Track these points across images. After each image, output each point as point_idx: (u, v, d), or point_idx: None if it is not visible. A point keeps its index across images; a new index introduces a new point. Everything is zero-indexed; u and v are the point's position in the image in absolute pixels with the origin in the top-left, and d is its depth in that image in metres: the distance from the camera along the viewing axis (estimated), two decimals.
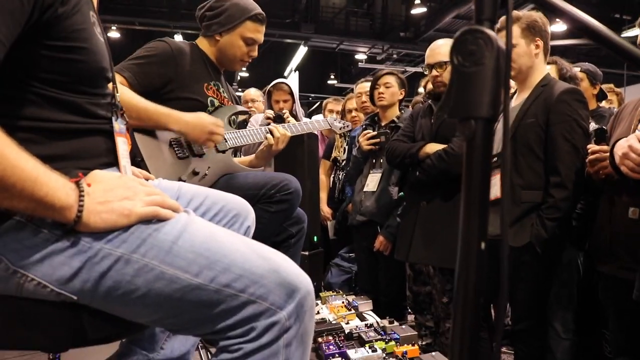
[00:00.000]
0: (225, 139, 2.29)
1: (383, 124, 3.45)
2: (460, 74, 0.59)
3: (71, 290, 1.00)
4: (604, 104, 3.75)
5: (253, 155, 2.57)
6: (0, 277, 0.99)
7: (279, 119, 3.25)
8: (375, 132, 3.38)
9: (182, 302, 1.03)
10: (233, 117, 2.40)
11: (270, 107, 3.92)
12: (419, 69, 12.37)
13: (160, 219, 1.06)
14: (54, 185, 0.94)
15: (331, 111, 4.86)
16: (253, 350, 1.04)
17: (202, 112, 2.15)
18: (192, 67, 2.25)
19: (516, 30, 2.39)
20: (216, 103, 2.31)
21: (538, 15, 2.43)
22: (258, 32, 2.37)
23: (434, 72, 2.86)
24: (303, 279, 1.10)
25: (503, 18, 0.63)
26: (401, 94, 3.42)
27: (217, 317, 1.04)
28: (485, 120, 0.59)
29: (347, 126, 3.05)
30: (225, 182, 2.24)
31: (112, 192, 1.02)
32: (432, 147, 2.80)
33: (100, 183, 1.03)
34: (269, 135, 2.41)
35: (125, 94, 1.94)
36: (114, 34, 15.28)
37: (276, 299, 1.05)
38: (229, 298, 1.03)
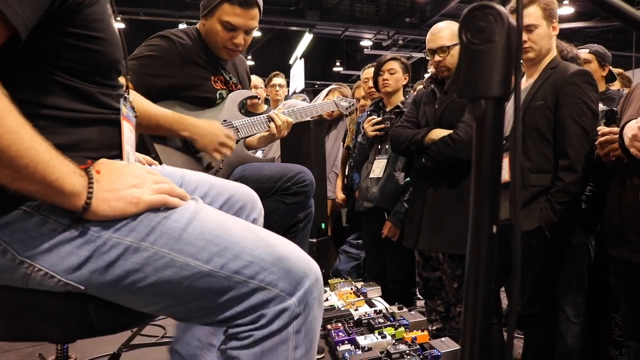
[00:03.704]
0: (237, 128, 2.26)
1: (388, 109, 3.43)
2: (470, 51, 0.57)
3: (78, 280, 1.00)
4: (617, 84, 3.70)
5: (255, 138, 2.49)
6: (6, 268, 0.99)
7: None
8: (380, 118, 3.36)
9: (191, 290, 1.03)
10: (242, 101, 2.35)
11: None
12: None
13: (168, 207, 1.05)
14: (65, 170, 0.93)
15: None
16: (263, 337, 1.04)
17: (216, 121, 2.09)
18: (196, 62, 2.19)
19: (538, 11, 2.35)
20: (224, 95, 2.27)
21: None
22: (236, 16, 2.15)
23: (437, 57, 2.81)
24: (312, 266, 1.10)
25: None
26: (405, 79, 3.40)
27: (225, 305, 1.04)
28: (496, 100, 0.57)
29: (353, 104, 2.97)
30: (239, 174, 2.20)
31: (120, 180, 1.02)
32: (438, 133, 2.77)
33: (108, 171, 1.02)
34: (271, 124, 2.33)
35: (135, 99, 1.90)
36: (119, 24, 15.15)
37: (286, 285, 1.05)
38: (238, 285, 1.03)
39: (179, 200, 1.08)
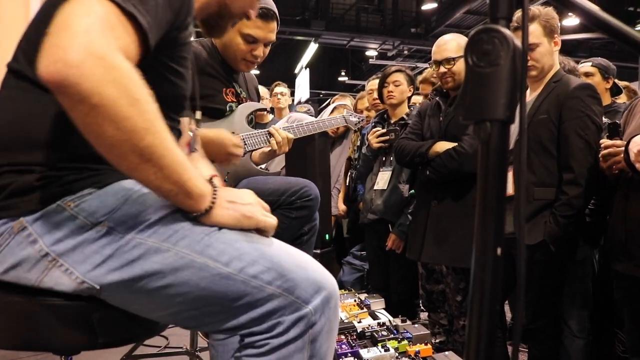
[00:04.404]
0: (245, 141, 2.24)
1: (392, 121, 3.43)
2: (475, 74, 0.58)
3: (96, 279, 1.01)
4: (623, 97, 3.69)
5: (256, 153, 2.46)
6: (30, 258, 1.01)
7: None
8: (384, 130, 3.36)
9: (206, 293, 1.04)
10: (251, 114, 2.34)
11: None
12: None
13: (261, 232, 1.12)
14: (195, 175, 1.00)
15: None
16: (279, 345, 1.05)
17: (223, 130, 2.10)
18: (210, 74, 2.19)
19: (538, 29, 2.35)
20: (234, 107, 2.26)
21: (553, 11, 2.40)
22: (257, 29, 2.15)
23: (442, 69, 2.81)
24: (329, 278, 1.12)
25: (518, 15, 0.62)
26: (410, 91, 3.40)
27: (239, 310, 1.05)
28: (501, 123, 0.57)
29: (362, 120, 2.94)
30: (244, 186, 2.20)
31: (238, 196, 1.11)
32: (442, 146, 2.77)
33: (224, 189, 1.09)
34: (271, 140, 2.29)
35: None
36: None
37: (302, 293, 1.06)
38: (255, 290, 1.04)
39: (273, 229, 1.15)
